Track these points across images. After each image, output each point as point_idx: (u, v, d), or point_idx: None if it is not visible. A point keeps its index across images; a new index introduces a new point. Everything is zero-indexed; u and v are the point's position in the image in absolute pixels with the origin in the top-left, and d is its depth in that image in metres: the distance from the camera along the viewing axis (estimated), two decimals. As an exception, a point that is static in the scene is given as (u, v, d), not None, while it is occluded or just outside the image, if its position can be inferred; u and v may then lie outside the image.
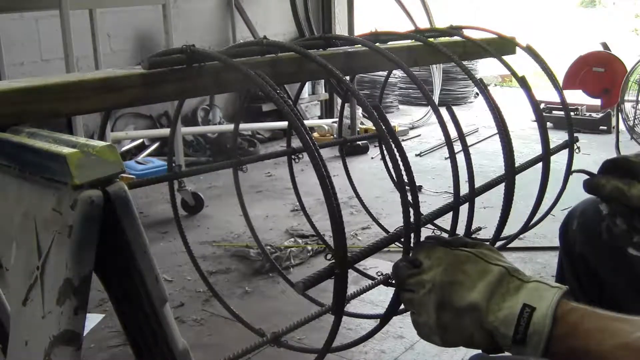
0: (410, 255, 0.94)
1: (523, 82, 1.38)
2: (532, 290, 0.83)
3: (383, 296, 2.35)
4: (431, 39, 1.39)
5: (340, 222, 0.85)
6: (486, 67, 7.22)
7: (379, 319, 1.06)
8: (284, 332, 1.24)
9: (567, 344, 0.79)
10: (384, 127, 0.97)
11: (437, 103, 6.41)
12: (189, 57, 0.98)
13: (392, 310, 1.01)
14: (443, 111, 1.16)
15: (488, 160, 4.44)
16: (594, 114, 5.44)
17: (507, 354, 0.85)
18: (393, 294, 0.98)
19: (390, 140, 0.97)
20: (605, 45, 5.87)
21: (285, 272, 2.60)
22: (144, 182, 1.37)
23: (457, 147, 1.14)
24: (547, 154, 1.43)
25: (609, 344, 0.75)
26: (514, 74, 1.42)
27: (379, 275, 1.04)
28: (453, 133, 1.16)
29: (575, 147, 1.58)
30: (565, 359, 0.80)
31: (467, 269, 0.86)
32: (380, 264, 2.68)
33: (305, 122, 4.93)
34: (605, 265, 1.22)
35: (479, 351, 0.88)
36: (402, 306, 0.98)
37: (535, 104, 1.40)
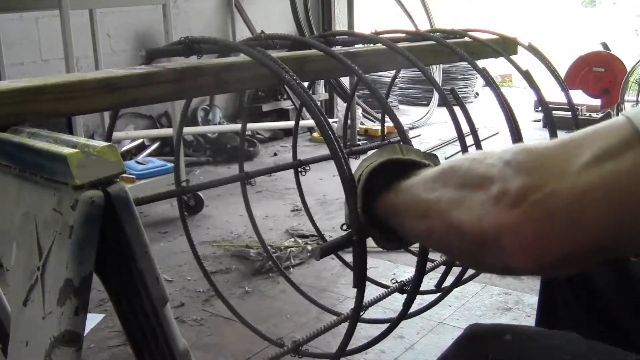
0: None
1: (527, 76, 1.39)
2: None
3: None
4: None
5: (353, 185, 0.80)
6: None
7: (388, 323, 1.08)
8: (304, 342, 1.20)
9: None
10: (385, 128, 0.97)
11: (437, 103, 6.33)
12: (187, 46, 0.98)
13: (403, 315, 1.02)
14: (444, 111, 1.17)
15: (488, 160, 4.43)
16: (594, 114, 5.43)
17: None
18: (405, 300, 0.99)
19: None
20: (605, 45, 5.86)
21: (285, 272, 2.60)
22: (153, 197, 1.36)
23: (457, 147, 1.14)
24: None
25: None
26: (518, 69, 1.43)
27: (393, 283, 1.06)
28: (452, 133, 1.16)
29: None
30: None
31: None
32: (380, 264, 2.69)
33: (306, 122, 4.93)
34: (599, 268, 1.22)
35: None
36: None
37: (539, 95, 1.41)
